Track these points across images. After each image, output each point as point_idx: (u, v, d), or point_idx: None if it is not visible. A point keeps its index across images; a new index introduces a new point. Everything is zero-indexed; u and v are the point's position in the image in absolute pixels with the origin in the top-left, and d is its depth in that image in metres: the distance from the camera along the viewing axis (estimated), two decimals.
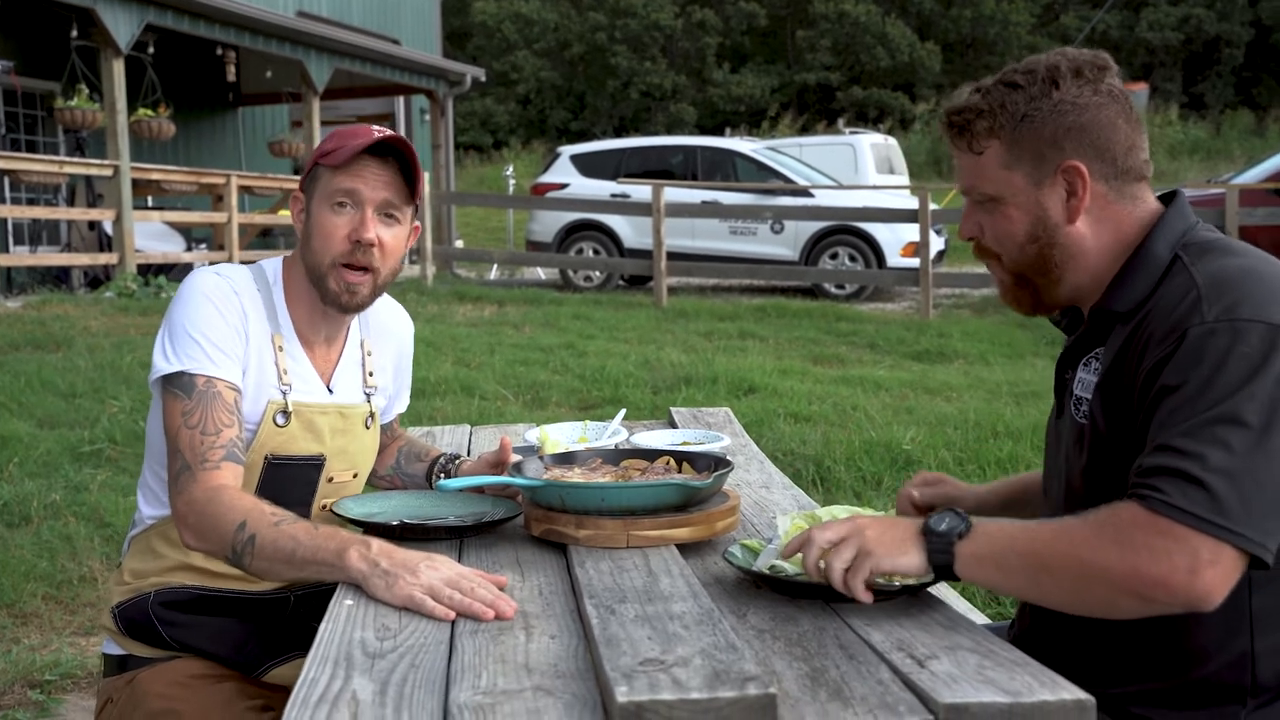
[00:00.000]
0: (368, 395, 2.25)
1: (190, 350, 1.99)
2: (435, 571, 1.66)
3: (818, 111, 36.70)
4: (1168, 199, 1.77)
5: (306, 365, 2.14)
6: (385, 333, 2.33)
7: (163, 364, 2.00)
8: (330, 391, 2.17)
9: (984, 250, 1.83)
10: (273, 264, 2.19)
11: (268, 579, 1.94)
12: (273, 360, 2.09)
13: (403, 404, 2.45)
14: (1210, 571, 1.45)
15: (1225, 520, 1.45)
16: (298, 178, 15.28)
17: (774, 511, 2.16)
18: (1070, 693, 1.29)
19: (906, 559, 1.60)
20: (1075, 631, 1.71)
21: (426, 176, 14.54)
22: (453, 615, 1.60)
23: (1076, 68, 1.72)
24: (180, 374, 1.98)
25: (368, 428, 2.24)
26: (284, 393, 2.09)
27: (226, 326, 2.03)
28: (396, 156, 2.07)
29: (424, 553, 1.73)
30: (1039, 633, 1.81)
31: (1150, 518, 1.47)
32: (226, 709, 2.01)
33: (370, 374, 2.26)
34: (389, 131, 2.07)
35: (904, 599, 1.64)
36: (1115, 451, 1.67)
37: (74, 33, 12.48)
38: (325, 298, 2.10)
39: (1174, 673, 1.65)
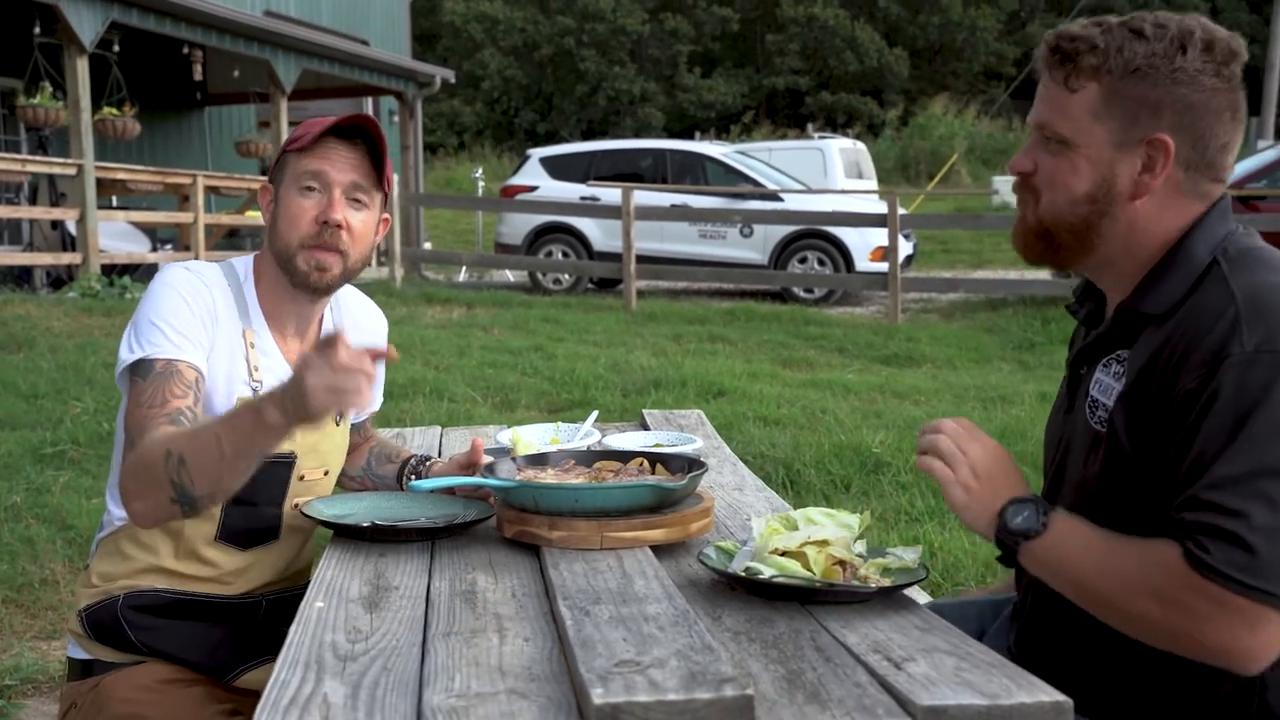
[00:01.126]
0: None
1: (153, 337, 1.97)
2: (316, 366, 1.64)
3: (787, 116, 36.81)
4: None
5: (279, 360, 2.12)
6: (358, 329, 2.30)
7: (126, 354, 1.98)
8: None
9: (1026, 187, 1.71)
10: (243, 260, 2.17)
11: (219, 493, 1.84)
12: (244, 356, 2.07)
13: (375, 403, 2.43)
14: (1251, 637, 1.43)
15: (1269, 584, 1.41)
16: (265, 178, 15.30)
17: (748, 513, 2.15)
18: (1048, 695, 1.28)
19: (978, 526, 1.65)
20: (1080, 637, 1.69)
21: (395, 178, 14.46)
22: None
23: (1209, 41, 1.59)
24: (141, 361, 1.96)
25: (337, 424, 2.22)
26: (255, 389, 2.06)
27: (193, 316, 2.00)
28: (365, 140, 2.06)
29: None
30: (1041, 633, 1.80)
31: (1193, 577, 1.44)
32: (194, 714, 1.98)
33: None
34: (355, 113, 2.05)
35: (879, 601, 1.63)
36: (1138, 466, 1.60)
37: (37, 29, 12.36)
38: (295, 279, 2.07)
39: (1181, 689, 1.60)
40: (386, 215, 2.18)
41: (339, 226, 2.03)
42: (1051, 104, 1.65)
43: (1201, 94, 1.59)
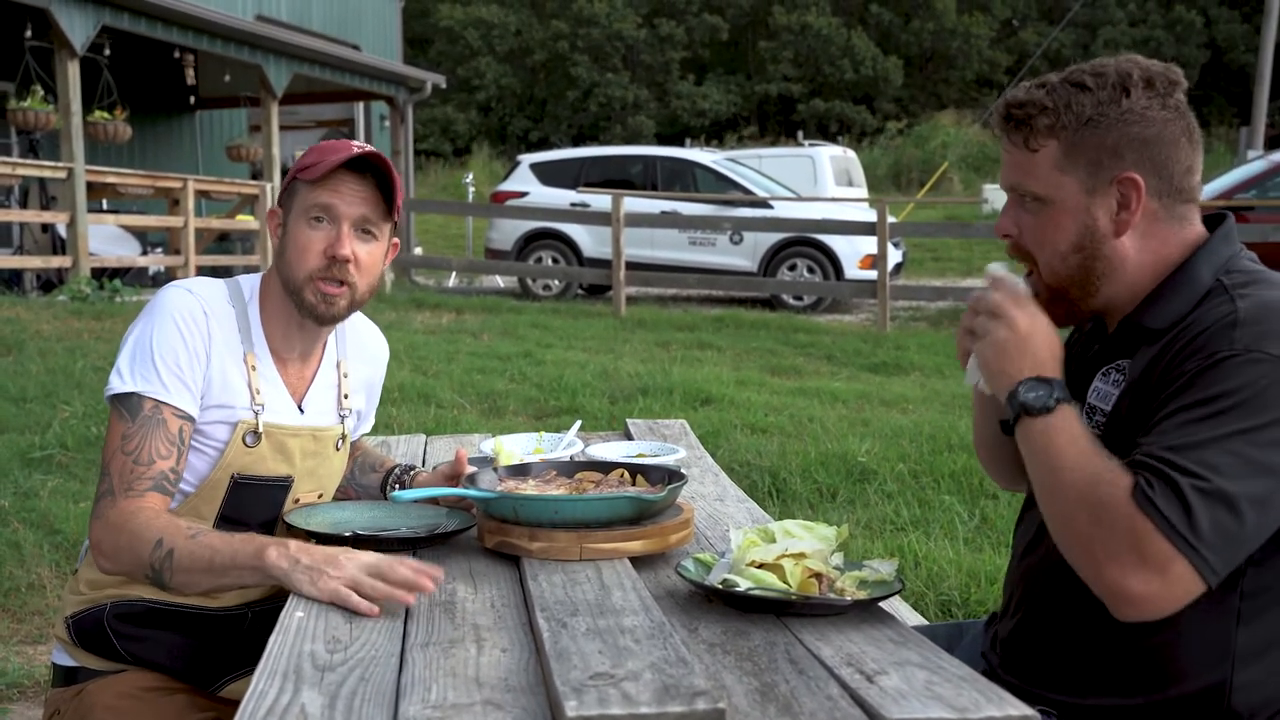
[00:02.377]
0: (342, 417, 2.24)
1: (145, 372, 1.98)
2: (356, 561, 1.70)
3: (779, 122, 36.87)
4: (1215, 221, 1.75)
5: (279, 385, 2.13)
6: (363, 354, 2.32)
7: (117, 383, 1.99)
8: (301, 411, 2.16)
9: (1020, 252, 1.78)
10: (250, 280, 2.17)
11: (188, 592, 1.94)
12: (245, 380, 2.07)
13: (368, 425, 2.45)
14: (1160, 582, 1.49)
15: (1192, 538, 1.47)
16: (255, 182, 15.21)
17: (728, 525, 2.17)
18: (1016, 709, 1.30)
19: (995, 389, 1.68)
20: (1058, 639, 1.74)
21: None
22: (377, 611, 1.64)
23: (1148, 78, 1.68)
24: (131, 395, 1.97)
25: (338, 449, 2.24)
26: (256, 413, 2.07)
27: (188, 351, 2.00)
28: (375, 172, 2.06)
29: (343, 547, 1.76)
30: (1023, 637, 1.83)
31: (1131, 508, 1.51)
32: None
33: (346, 395, 2.25)
34: (368, 147, 2.05)
35: (855, 614, 1.65)
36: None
37: (28, 33, 12.35)
38: (301, 309, 2.08)
39: (1151, 690, 1.66)
40: (396, 240, 2.19)
41: (346, 261, 2.04)
42: (1018, 167, 1.73)
43: (1153, 128, 1.67)
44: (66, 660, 2.14)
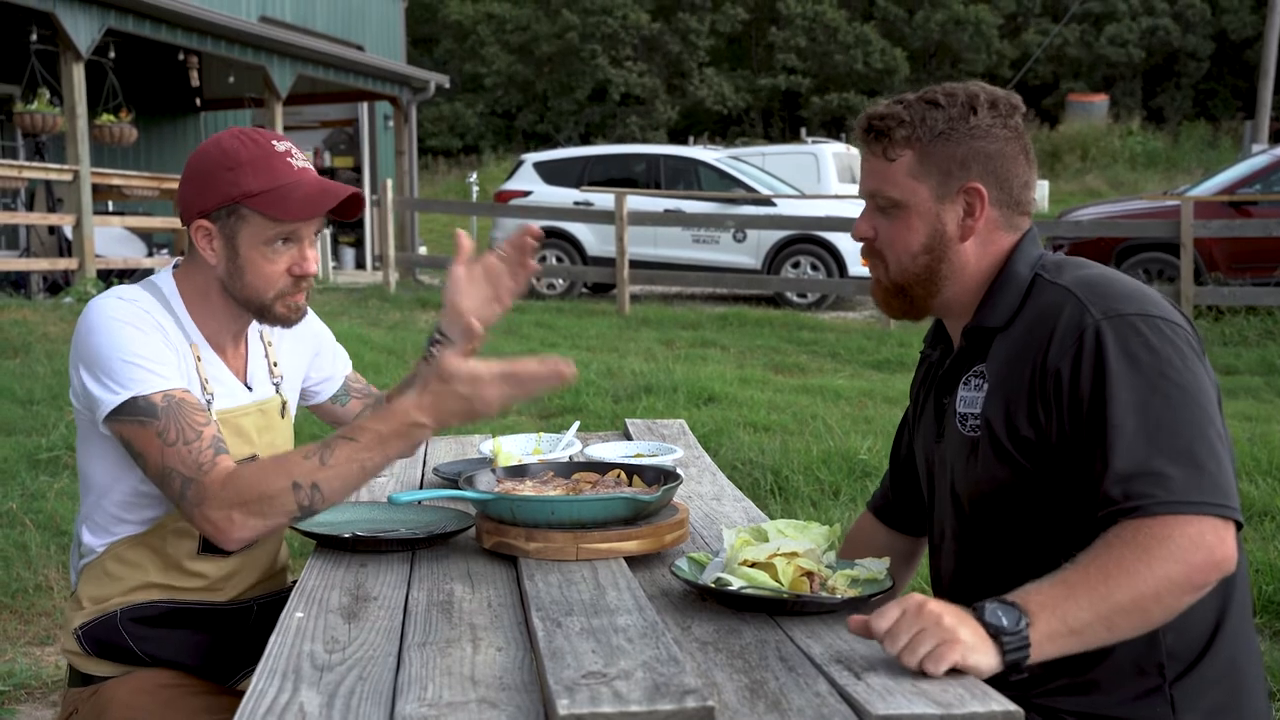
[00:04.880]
0: (275, 385, 2.27)
1: (130, 374, 1.94)
2: (490, 390, 1.81)
3: (783, 117, 36.84)
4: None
5: (224, 370, 2.15)
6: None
7: (110, 398, 1.93)
8: (249, 389, 2.20)
9: (873, 253, 1.95)
10: (163, 281, 2.15)
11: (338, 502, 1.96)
12: (196, 371, 2.09)
13: (343, 365, 2.48)
14: (1220, 546, 1.56)
15: (1197, 496, 1.57)
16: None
17: (724, 524, 2.19)
18: (999, 704, 1.33)
19: (985, 659, 1.47)
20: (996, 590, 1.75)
21: (390, 183, 14.32)
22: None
23: (993, 100, 1.86)
24: (132, 400, 1.93)
25: (283, 417, 2.27)
26: (208, 402, 2.08)
27: (153, 343, 1.99)
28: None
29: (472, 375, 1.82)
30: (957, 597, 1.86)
31: (1144, 523, 1.57)
32: (192, 719, 2.03)
33: (274, 364, 2.28)
34: (325, 182, 2.06)
35: (847, 611, 1.67)
36: (1019, 452, 1.77)
37: (33, 36, 12.39)
38: (266, 319, 2.11)
39: (1083, 667, 1.70)
40: None
41: (311, 275, 2.10)
42: (877, 174, 1.90)
43: (996, 144, 1.85)
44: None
